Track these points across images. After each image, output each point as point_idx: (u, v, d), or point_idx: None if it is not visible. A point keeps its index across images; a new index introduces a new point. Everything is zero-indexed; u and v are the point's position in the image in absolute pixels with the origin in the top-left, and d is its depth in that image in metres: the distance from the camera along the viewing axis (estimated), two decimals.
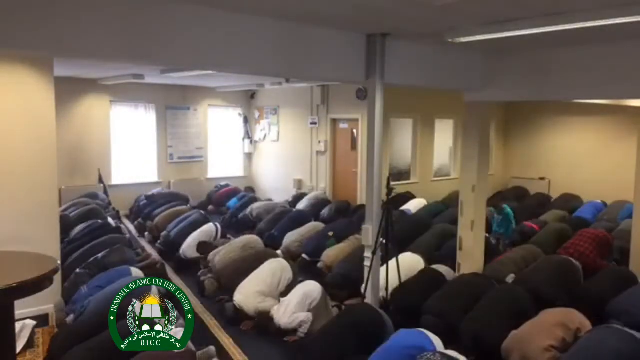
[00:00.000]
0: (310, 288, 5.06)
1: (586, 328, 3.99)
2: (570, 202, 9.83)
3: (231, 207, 10.19)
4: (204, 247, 6.70)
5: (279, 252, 6.90)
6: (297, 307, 4.87)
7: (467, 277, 5.44)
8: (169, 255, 7.36)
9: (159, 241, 7.91)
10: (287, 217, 8.31)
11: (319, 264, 6.55)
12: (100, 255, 5.62)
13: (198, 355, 3.94)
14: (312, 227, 7.71)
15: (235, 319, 5.20)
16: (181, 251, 7.10)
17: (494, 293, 4.80)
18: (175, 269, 7.02)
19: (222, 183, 11.84)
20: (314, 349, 4.10)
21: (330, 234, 7.21)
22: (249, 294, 5.24)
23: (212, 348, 4.21)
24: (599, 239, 6.32)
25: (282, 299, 5.08)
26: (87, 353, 3.70)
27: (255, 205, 9.35)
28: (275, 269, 5.52)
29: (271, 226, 8.18)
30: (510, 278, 5.62)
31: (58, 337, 4.17)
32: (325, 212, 9.18)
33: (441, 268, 5.80)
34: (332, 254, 6.59)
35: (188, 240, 7.18)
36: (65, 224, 6.89)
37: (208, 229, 7.34)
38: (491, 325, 4.26)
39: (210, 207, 10.77)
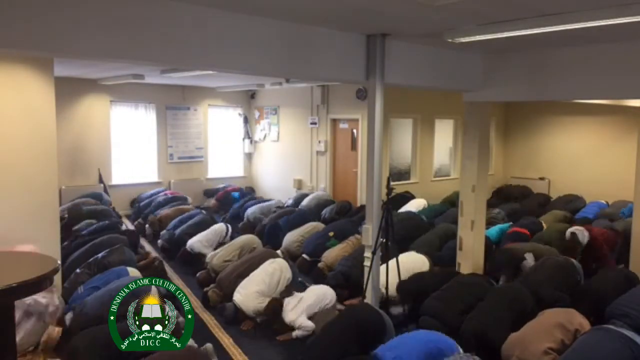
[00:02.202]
0: (326, 291, 5.15)
1: (585, 329, 3.98)
2: (572, 202, 9.79)
3: (235, 204, 10.25)
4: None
5: (278, 252, 6.92)
6: (310, 307, 4.90)
7: (465, 277, 5.44)
8: (173, 254, 7.40)
9: (162, 238, 7.92)
10: (288, 215, 8.30)
11: (320, 264, 6.55)
12: (100, 255, 5.63)
13: (200, 349, 3.96)
14: (312, 227, 7.70)
15: (234, 319, 5.21)
16: (188, 244, 7.13)
17: (495, 292, 4.80)
18: (178, 261, 7.08)
19: (225, 184, 11.82)
20: (315, 348, 4.10)
21: (331, 234, 7.21)
22: (248, 294, 5.24)
23: (209, 345, 4.23)
24: (604, 237, 6.32)
25: (296, 293, 5.11)
26: (91, 340, 3.74)
27: (250, 210, 9.20)
28: (274, 269, 5.52)
29: (272, 222, 8.18)
30: (529, 256, 5.60)
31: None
32: (326, 212, 9.14)
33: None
34: (332, 254, 6.59)
35: (198, 236, 7.21)
36: (76, 215, 6.88)
37: (219, 229, 7.38)
38: (493, 324, 4.26)
39: (213, 203, 10.83)
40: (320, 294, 5.05)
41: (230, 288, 5.46)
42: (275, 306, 4.97)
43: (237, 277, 5.56)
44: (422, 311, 4.74)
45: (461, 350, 3.67)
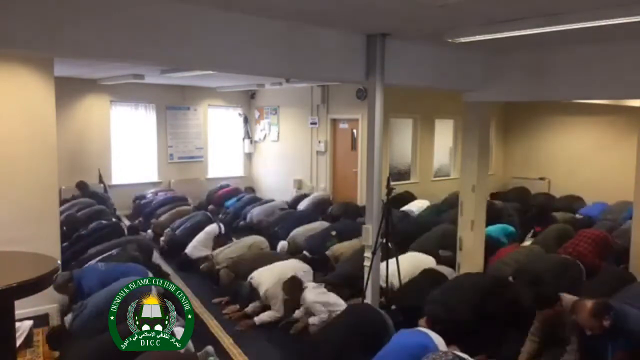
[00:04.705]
0: (341, 302, 5.06)
1: None
2: (572, 203, 9.76)
3: (229, 207, 10.19)
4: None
5: (283, 242, 6.99)
6: (326, 304, 4.90)
7: (465, 276, 5.43)
8: (173, 255, 7.41)
9: (162, 239, 7.93)
10: (291, 217, 8.31)
11: (328, 252, 6.61)
12: (114, 252, 5.73)
13: (198, 355, 3.95)
14: (319, 225, 7.75)
15: (248, 298, 5.28)
16: (187, 250, 7.15)
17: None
18: (178, 268, 7.07)
19: (222, 183, 11.83)
20: (315, 349, 4.09)
21: (333, 233, 7.22)
22: (266, 275, 5.31)
23: (210, 348, 4.22)
24: (598, 239, 6.31)
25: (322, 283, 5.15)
26: (92, 349, 3.71)
27: (255, 210, 9.17)
28: (299, 268, 5.57)
29: (276, 223, 8.20)
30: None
31: (59, 334, 4.19)
32: (333, 209, 9.11)
33: (443, 269, 5.79)
34: (339, 248, 6.63)
35: (193, 242, 7.22)
36: (71, 223, 6.90)
37: (211, 230, 7.39)
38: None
39: (211, 207, 10.77)
40: (336, 301, 4.99)
41: (244, 271, 5.50)
42: (295, 281, 4.99)
43: (252, 263, 5.61)
44: (425, 312, 4.73)
45: (438, 345, 3.66)
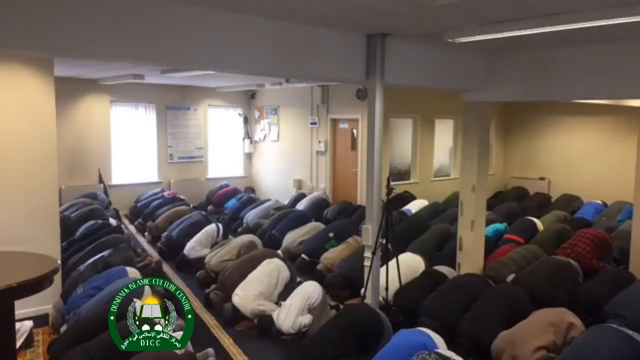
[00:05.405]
0: (310, 289, 5.06)
1: (577, 326, 3.99)
2: (571, 202, 9.77)
3: (229, 207, 10.19)
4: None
5: (278, 252, 6.92)
6: (298, 311, 4.87)
7: (462, 277, 5.45)
8: (171, 256, 7.38)
9: (160, 241, 7.92)
10: (287, 217, 8.30)
11: (319, 266, 6.54)
12: (106, 253, 5.66)
13: (197, 356, 3.95)
14: (312, 227, 7.71)
15: (233, 319, 5.20)
16: (185, 251, 7.14)
17: (492, 293, 4.82)
18: (176, 268, 7.05)
19: (222, 183, 11.84)
20: (312, 348, 4.10)
21: (331, 234, 7.20)
22: (247, 295, 5.24)
23: (210, 350, 4.22)
24: (597, 239, 6.31)
25: (282, 303, 5.06)
26: (85, 355, 3.70)
27: (250, 214, 9.12)
28: (271, 269, 5.52)
29: (272, 226, 8.18)
30: (510, 277, 5.62)
31: (57, 343, 4.18)
32: (328, 212, 9.12)
33: (443, 269, 5.80)
34: (332, 256, 6.58)
35: (191, 242, 7.20)
36: (66, 225, 6.90)
37: (210, 229, 7.38)
38: (487, 325, 4.27)
39: (210, 207, 10.77)
40: (303, 296, 4.96)
41: (232, 289, 5.44)
42: (265, 323, 4.94)
43: (239, 279, 5.53)
44: (421, 312, 4.74)
45: (439, 346, 3.66)
